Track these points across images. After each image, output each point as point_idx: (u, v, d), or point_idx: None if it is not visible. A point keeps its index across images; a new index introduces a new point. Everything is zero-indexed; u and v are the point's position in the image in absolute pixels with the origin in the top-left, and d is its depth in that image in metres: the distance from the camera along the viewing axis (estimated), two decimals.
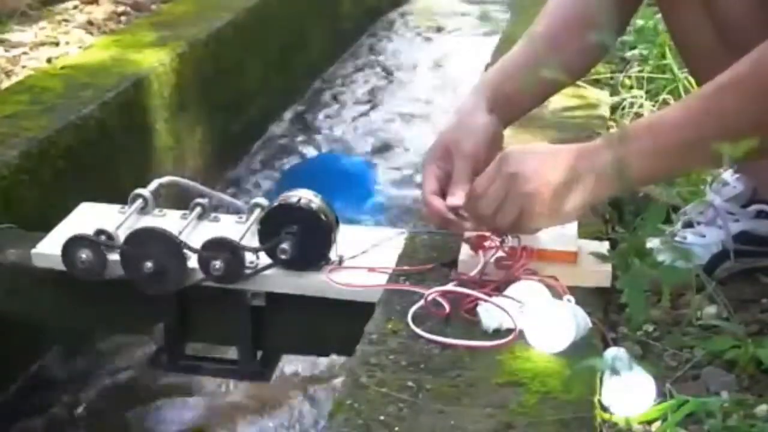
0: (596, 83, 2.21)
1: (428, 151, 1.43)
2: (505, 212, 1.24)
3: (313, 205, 1.47)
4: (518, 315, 1.24)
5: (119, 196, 1.70)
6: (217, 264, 1.46)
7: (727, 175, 1.53)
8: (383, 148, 3.24)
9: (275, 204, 1.50)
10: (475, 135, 1.38)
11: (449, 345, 1.22)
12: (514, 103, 1.45)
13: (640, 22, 2.62)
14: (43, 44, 2.96)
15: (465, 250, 1.39)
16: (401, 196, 2.85)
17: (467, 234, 1.37)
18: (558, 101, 2.11)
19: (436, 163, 1.39)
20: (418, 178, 2.92)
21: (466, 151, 1.37)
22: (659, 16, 2.51)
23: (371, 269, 1.44)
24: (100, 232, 1.52)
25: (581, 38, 1.34)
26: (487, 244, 1.35)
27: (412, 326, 1.26)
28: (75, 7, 3.31)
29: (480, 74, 1.49)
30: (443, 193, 1.37)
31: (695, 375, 1.25)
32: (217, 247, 1.47)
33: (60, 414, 1.96)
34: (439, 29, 4.54)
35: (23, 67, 2.74)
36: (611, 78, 2.28)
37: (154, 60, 2.63)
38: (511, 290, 1.28)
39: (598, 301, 1.35)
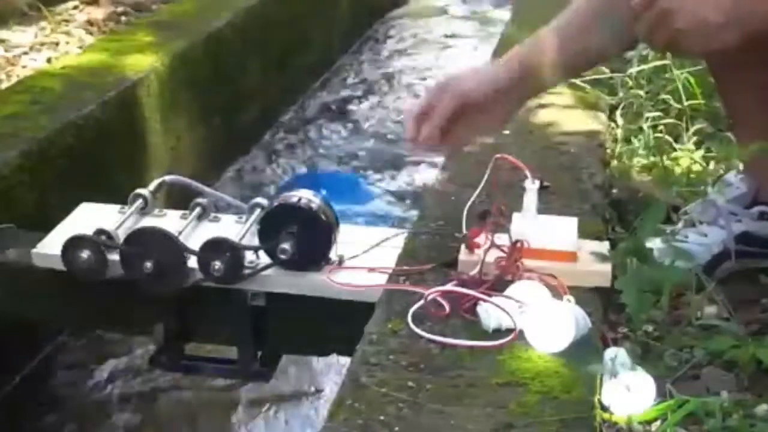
0: (596, 83, 2.21)
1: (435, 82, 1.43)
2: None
3: (313, 205, 1.47)
4: (518, 315, 1.23)
5: (119, 196, 1.70)
6: (217, 264, 1.46)
7: (731, 175, 1.53)
8: (381, 152, 3.24)
9: (275, 204, 1.50)
10: (479, 78, 1.37)
11: (449, 345, 1.22)
12: (540, 74, 1.41)
13: None
14: (43, 44, 2.96)
15: (465, 250, 1.39)
16: (397, 203, 2.85)
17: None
18: (557, 100, 2.11)
19: (434, 91, 1.39)
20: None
21: (460, 88, 1.36)
22: None
23: (371, 269, 1.44)
24: (100, 232, 1.52)
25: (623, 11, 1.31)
26: (481, 241, 1.36)
27: (412, 326, 1.26)
28: (75, 8, 3.31)
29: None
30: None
31: (695, 375, 1.25)
32: (217, 247, 1.47)
33: (60, 413, 1.96)
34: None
35: (23, 67, 2.74)
36: (611, 78, 2.28)
37: (155, 60, 2.63)
38: (511, 290, 1.28)
39: (598, 301, 1.35)
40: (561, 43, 1.37)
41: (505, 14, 4.19)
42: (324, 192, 1.53)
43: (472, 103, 1.36)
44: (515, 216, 1.39)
